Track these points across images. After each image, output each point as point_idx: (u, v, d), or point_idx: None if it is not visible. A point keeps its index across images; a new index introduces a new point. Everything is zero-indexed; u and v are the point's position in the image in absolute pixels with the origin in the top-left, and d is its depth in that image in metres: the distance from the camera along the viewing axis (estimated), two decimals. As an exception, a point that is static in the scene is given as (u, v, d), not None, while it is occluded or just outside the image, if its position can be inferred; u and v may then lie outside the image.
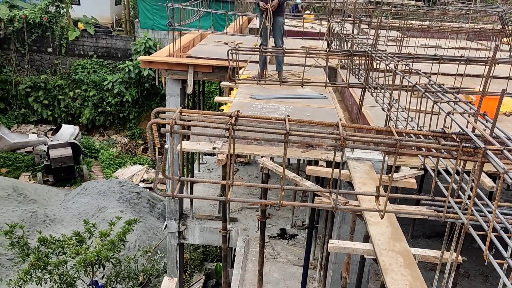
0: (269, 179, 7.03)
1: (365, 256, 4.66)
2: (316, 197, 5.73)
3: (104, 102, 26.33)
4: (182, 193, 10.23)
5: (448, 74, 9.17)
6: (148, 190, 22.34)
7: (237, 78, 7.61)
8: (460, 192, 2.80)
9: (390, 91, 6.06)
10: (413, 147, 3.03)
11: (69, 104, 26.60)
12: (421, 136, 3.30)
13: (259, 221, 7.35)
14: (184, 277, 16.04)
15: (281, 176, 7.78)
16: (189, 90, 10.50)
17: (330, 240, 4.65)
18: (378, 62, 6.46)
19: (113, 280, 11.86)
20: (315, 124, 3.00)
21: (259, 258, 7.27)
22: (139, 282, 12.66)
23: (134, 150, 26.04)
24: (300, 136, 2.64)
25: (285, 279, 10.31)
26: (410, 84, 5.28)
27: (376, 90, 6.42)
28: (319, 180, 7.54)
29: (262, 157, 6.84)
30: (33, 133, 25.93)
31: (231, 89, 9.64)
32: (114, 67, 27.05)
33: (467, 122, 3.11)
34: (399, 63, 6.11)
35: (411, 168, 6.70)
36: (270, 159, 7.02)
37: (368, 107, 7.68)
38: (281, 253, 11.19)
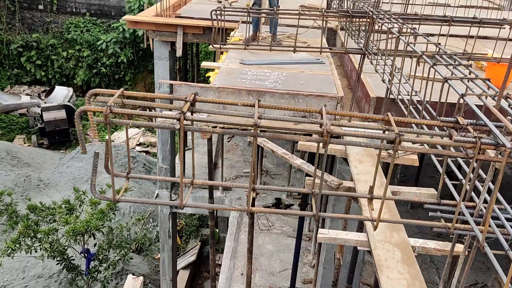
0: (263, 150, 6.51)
1: (359, 248, 4.19)
2: (307, 177, 5.22)
3: (99, 63, 25.52)
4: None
5: (458, 36, 8.43)
6: (144, 154, 21.96)
7: (223, 42, 6.93)
8: (473, 194, 2.28)
9: (392, 58, 5.41)
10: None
11: (63, 65, 25.80)
12: (424, 126, 2.74)
13: (247, 197, 6.87)
14: (179, 243, 15.88)
15: (273, 152, 7.21)
16: (178, 53, 9.80)
17: (319, 230, 4.16)
18: (380, 24, 5.76)
19: (105, 248, 11.61)
20: (294, 110, 2.42)
21: (249, 236, 6.83)
22: (131, 250, 12.43)
23: (130, 113, 25.45)
24: (271, 131, 2.09)
25: (279, 251, 10.00)
26: (415, 53, 4.64)
27: (376, 57, 5.76)
28: (312, 156, 7.01)
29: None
30: (27, 94, 25.30)
31: (222, 52, 8.95)
32: (108, 26, 26.03)
33: (483, 106, 2.52)
34: (404, 25, 5.43)
35: (413, 143, 6.14)
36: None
37: (368, 73, 7.03)
38: (275, 224, 10.85)
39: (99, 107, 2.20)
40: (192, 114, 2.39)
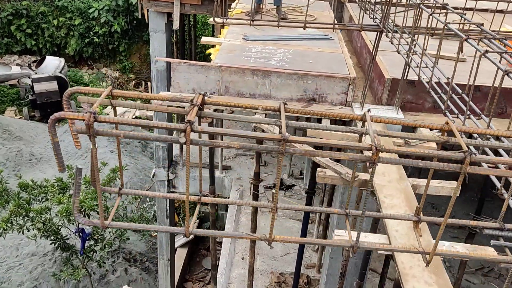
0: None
1: (379, 252, 3.79)
2: (318, 169, 4.79)
3: (91, 32, 24.59)
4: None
5: (484, 10, 7.84)
6: (140, 128, 21.43)
7: (225, 15, 6.35)
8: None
9: (411, 33, 4.88)
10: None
11: (54, 34, 24.85)
12: (493, 138, 2.27)
13: (251, 184, 6.47)
14: (177, 220, 15.60)
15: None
16: (176, 25, 9.18)
17: (335, 231, 3.75)
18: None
19: (100, 228, 11.26)
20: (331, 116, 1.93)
21: (251, 224, 6.48)
22: (126, 231, 12.09)
23: (126, 85, 24.76)
24: (301, 141, 1.62)
25: (281, 235, 9.69)
26: (439, 23, 4.12)
27: (394, 34, 5.23)
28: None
29: (256, 114, 5.81)
30: (17, 64, 24.46)
31: (223, 26, 8.35)
32: (100, -8, 24.95)
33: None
34: None
35: (430, 129, 5.69)
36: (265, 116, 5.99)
37: (381, 51, 6.49)
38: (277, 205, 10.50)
39: (80, 114, 1.72)
40: (200, 122, 1.91)
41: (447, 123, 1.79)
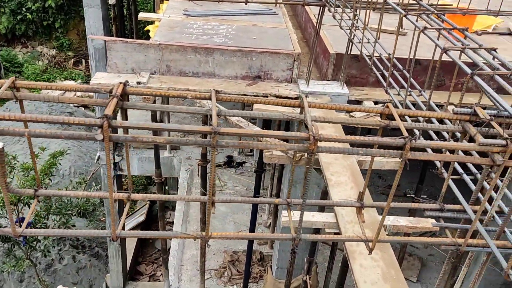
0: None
1: (327, 230, 3.80)
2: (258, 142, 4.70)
3: (24, 8, 22.93)
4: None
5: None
6: (83, 109, 20.49)
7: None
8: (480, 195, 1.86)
9: (353, 7, 4.83)
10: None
11: (-18, 10, 22.96)
12: (434, 120, 2.24)
13: (199, 166, 6.33)
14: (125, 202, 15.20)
15: (226, 119, 6.65)
16: (111, 0, 8.66)
17: (282, 212, 3.71)
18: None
19: (43, 216, 10.74)
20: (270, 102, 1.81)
21: (201, 208, 6.37)
22: (72, 217, 11.63)
23: (64, 64, 23.45)
24: (234, 133, 1.49)
25: (233, 213, 9.67)
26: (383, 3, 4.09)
27: (337, 9, 5.17)
28: (269, 123, 6.48)
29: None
30: None
31: (163, 1, 7.96)
32: (30, -36, 23.19)
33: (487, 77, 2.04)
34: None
35: (375, 103, 5.75)
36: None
37: (324, 26, 6.43)
38: (228, 183, 10.43)
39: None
40: (124, 115, 1.74)
41: (387, 106, 1.73)
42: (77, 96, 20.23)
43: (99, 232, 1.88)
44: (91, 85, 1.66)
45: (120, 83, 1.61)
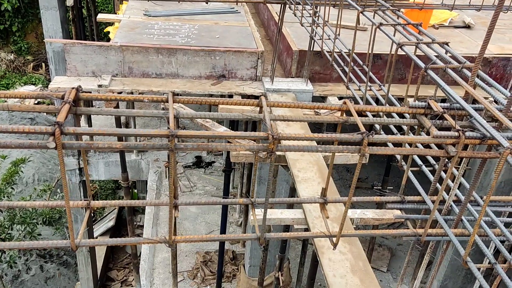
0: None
1: (296, 227, 3.83)
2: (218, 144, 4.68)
3: (-23, 11, 22.01)
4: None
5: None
6: (45, 114, 19.89)
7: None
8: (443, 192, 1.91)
9: (313, 4, 4.88)
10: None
11: None
12: (394, 114, 2.29)
13: (166, 168, 6.24)
14: (95, 209, 14.89)
15: (191, 120, 6.56)
16: (69, 1, 8.43)
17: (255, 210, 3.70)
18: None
19: (7, 226, 10.38)
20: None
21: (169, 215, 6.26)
22: (37, 226, 11.28)
23: (23, 68, 22.67)
24: (193, 136, 1.47)
25: (204, 213, 9.61)
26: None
27: (299, 7, 5.20)
28: (236, 122, 6.46)
29: (164, 94, 5.53)
30: None
31: (122, 1, 7.80)
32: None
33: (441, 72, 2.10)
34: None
35: (339, 98, 5.83)
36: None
37: (287, 23, 6.48)
38: (197, 184, 10.36)
39: None
40: (77, 121, 1.68)
41: (345, 103, 1.75)
42: (38, 103, 19.64)
43: (58, 242, 1.82)
44: (40, 92, 1.60)
45: (73, 88, 1.57)
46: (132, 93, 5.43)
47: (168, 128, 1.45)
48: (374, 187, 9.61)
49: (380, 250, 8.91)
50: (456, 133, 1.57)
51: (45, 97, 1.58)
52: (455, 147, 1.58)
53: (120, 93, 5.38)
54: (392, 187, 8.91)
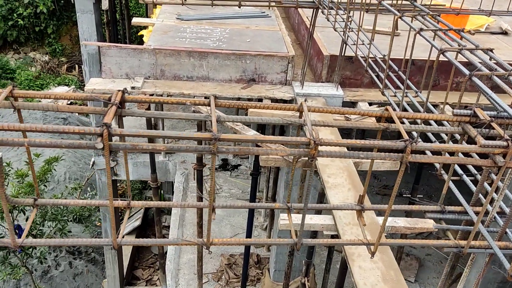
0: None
1: (325, 233, 3.80)
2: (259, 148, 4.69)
3: (15, 14, 22.81)
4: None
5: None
6: (77, 114, 20.39)
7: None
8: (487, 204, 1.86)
9: (346, 9, 4.85)
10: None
11: (-28, 17, 22.81)
12: (432, 121, 2.25)
13: (195, 170, 6.31)
14: (122, 208, 15.13)
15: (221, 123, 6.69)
16: (104, 5, 8.63)
17: (281, 215, 3.70)
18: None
19: (39, 222, 10.67)
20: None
21: (197, 213, 6.35)
22: (68, 223, 11.55)
23: (57, 69, 23.33)
24: (235, 139, 1.48)
25: (229, 216, 9.64)
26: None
27: (331, 12, 5.18)
28: (264, 126, 6.47)
29: (194, 96, 5.59)
30: None
31: (155, 5, 7.94)
32: (21, -30, 23.10)
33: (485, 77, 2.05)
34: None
35: (369, 104, 5.77)
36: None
37: (318, 27, 6.45)
38: (223, 186, 10.41)
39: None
40: (121, 123, 1.72)
41: (387, 109, 1.72)
42: (71, 103, 20.16)
43: (100, 240, 1.86)
44: (89, 94, 1.64)
45: (119, 90, 1.60)
46: (161, 95, 5.50)
47: (210, 131, 1.46)
48: (403, 195, 9.45)
49: (408, 260, 8.74)
50: (505, 143, 1.52)
51: (93, 99, 1.62)
52: (502, 157, 1.54)
53: (152, 95, 5.46)
54: (421, 195, 8.73)
